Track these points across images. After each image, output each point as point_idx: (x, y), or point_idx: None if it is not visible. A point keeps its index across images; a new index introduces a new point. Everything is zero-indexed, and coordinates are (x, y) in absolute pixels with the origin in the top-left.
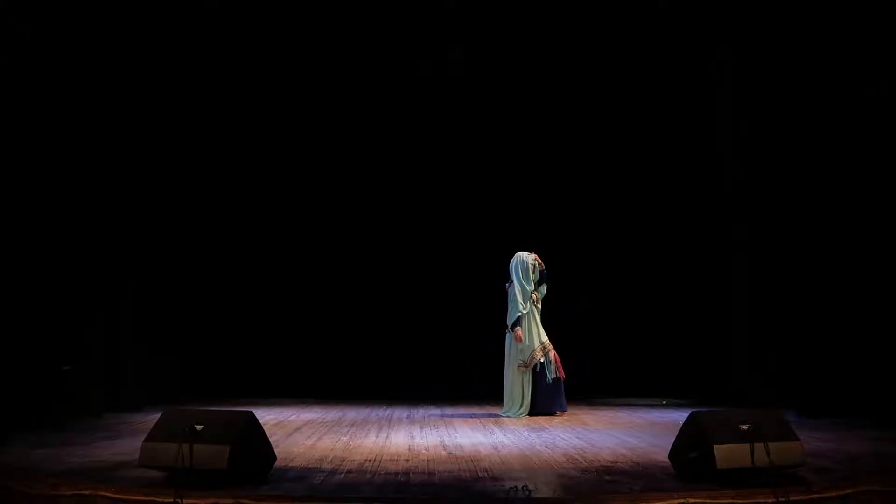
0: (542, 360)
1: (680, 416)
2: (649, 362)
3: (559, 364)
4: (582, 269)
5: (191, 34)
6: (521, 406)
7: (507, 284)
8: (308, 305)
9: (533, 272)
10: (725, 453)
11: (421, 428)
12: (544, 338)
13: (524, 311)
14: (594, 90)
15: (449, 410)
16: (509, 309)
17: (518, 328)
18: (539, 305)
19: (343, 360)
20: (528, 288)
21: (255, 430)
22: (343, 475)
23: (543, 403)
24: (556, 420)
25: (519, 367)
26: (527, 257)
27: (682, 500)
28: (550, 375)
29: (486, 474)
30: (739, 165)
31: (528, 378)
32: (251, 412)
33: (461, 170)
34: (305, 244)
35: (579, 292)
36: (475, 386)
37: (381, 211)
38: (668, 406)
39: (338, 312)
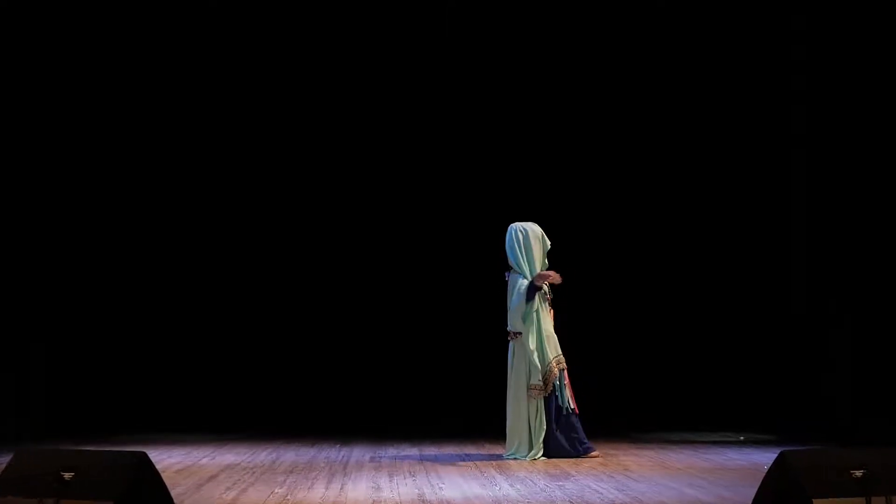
0: (557, 381)
1: (763, 457)
2: (717, 383)
3: (571, 390)
4: (617, 253)
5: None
6: (530, 445)
7: (507, 273)
8: (225, 305)
9: (538, 245)
10: None
11: (391, 476)
12: (559, 349)
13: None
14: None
15: (431, 450)
16: (510, 306)
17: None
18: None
19: (277, 379)
20: (534, 267)
21: (150, 479)
22: None
23: (561, 443)
24: (584, 464)
25: (531, 390)
26: (522, 227)
27: None
28: (567, 403)
29: None
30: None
31: (539, 405)
32: (144, 453)
33: (444, 145)
34: (220, 230)
35: (612, 284)
36: (468, 416)
37: (327, 192)
38: (745, 444)
39: (268, 314)
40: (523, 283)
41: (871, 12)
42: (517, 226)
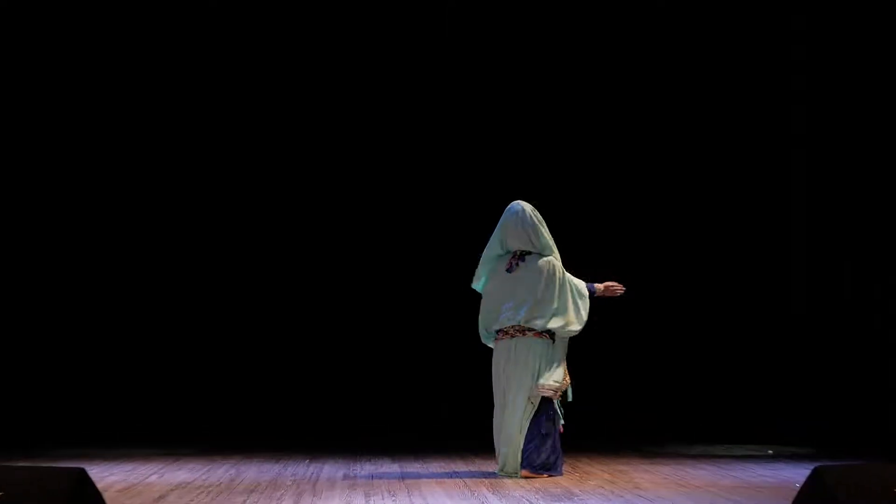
0: (565, 391)
1: (794, 473)
2: (741, 390)
3: None
4: (624, 254)
5: None
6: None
7: (516, 261)
8: (175, 304)
9: None
10: None
11: (367, 495)
12: None
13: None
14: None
15: (413, 466)
16: (537, 294)
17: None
18: None
19: (237, 386)
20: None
21: (89, 499)
22: None
23: (537, 456)
24: (590, 482)
25: (540, 388)
26: (527, 204)
27: None
28: (560, 415)
29: None
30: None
31: (529, 412)
32: (82, 470)
33: (427, 157)
34: (163, 230)
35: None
36: (455, 427)
37: (290, 202)
38: (774, 458)
39: (224, 313)
40: (574, 278)
41: (871, 12)
42: (524, 203)
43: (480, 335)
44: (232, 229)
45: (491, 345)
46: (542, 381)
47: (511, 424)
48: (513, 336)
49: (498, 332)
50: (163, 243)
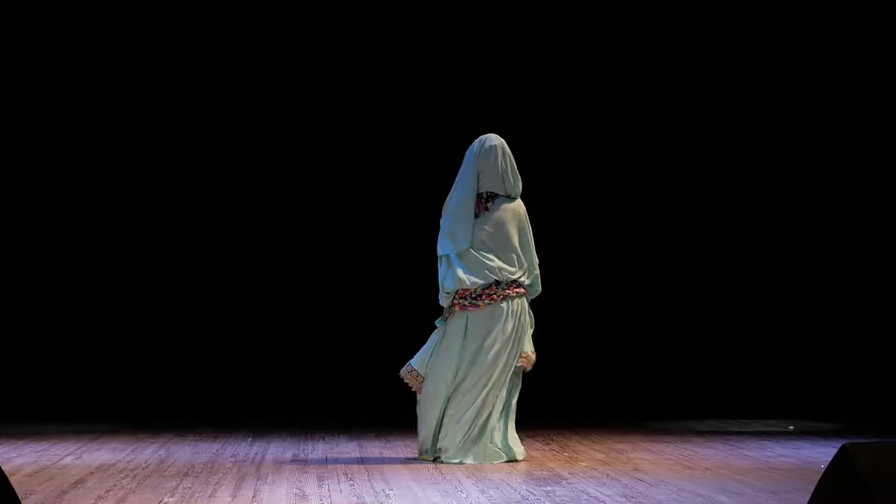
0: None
1: (818, 452)
2: (757, 358)
3: None
4: (632, 229)
5: None
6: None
7: (484, 204)
8: (96, 265)
9: None
10: None
11: (320, 479)
12: None
13: None
14: None
15: (375, 446)
16: (518, 246)
17: None
18: None
19: (166, 354)
20: None
21: None
22: None
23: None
24: (581, 463)
25: (522, 358)
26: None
27: None
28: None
29: None
30: None
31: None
32: None
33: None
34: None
35: (632, 251)
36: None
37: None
38: (794, 434)
39: (152, 272)
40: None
41: (871, 12)
42: (497, 137)
43: (443, 296)
44: (170, 203)
45: (445, 305)
46: (527, 347)
47: (499, 405)
48: (495, 301)
49: (467, 292)
50: (88, 219)
